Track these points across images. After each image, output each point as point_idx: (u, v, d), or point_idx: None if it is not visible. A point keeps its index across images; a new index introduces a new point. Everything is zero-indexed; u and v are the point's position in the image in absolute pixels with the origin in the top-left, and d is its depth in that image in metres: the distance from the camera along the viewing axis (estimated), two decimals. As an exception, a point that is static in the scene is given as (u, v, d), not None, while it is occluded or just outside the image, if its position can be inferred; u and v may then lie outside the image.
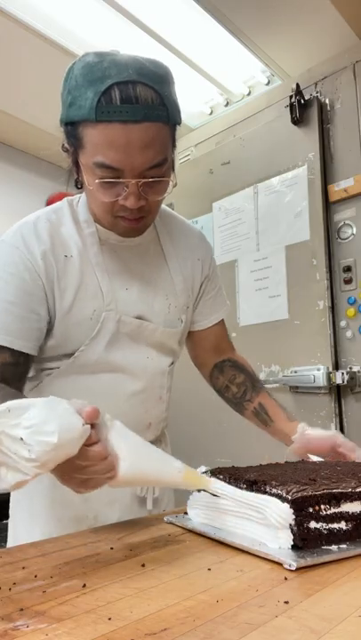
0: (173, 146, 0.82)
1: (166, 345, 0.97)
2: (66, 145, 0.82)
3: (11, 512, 0.97)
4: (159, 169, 0.78)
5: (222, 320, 1.12)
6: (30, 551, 0.63)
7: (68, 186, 0.88)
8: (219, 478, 0.70)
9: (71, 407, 0.57)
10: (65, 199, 0.94)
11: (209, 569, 0.55)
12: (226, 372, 1.10)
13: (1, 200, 2.95)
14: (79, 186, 0.86)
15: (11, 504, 0.98)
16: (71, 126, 0.77)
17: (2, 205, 2.96)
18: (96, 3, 1.91)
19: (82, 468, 0.58)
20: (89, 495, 0.68)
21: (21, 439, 0.53)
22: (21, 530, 0.94)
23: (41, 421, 0.54)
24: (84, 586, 0.50)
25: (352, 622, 0.42)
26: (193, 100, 2.52)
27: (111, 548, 0.64)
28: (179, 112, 0.80)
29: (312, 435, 0.93)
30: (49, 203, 3.14)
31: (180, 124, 0.81)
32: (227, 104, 2.50)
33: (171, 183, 0.82)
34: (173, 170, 0.83)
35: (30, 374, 0.90)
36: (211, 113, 2.57)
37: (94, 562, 0.58)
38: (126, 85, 0.72)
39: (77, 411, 0.57)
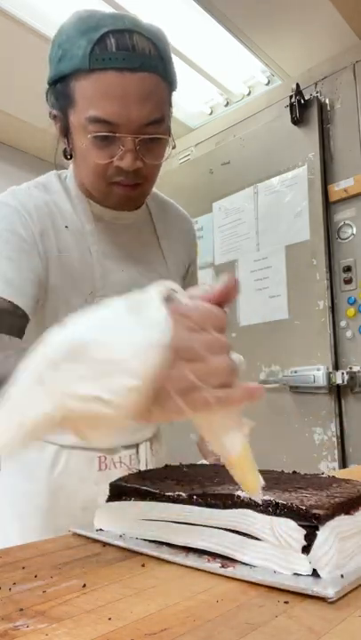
0: (170, 110, 0.77)
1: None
2: (53, 111, 0.76)
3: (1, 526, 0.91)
4: (157, 126, 0.71)
5: None
6: (30, 551, 0.63)
7: (55, 159, 0.81)
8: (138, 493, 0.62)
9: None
10: (50, 173, 0.86)
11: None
12: None
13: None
14: (69, 156, 0.79)
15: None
16: (61, 83, 0.71)
17: (2, 205, 2.96)
18: (96, 3, 1.91)
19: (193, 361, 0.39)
20: (88, 505, 0.66)
21: (95, 397, 0.37)
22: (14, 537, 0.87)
23: (109, 360, 0.37)
24: (84, 586, 0.50)
25: (352, 622, 0.42)
26: (193, 99, 2.52)
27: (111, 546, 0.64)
28: (175, 74, 0.75)
29: (205, 446, 0.98)
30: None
31: (175, 88, 0.76)
32: (227, 104, 2.50)
33: (168, 147, 0.76)
34: (170, 135, 0.77)
35: None
36: (211, 113, 2.58)
37: (94, 562, 0.58)
38: (122, 34, 0.67)
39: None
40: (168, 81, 0.73)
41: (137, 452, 0.93)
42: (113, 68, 0.66)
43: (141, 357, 0.37)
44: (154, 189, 0.91)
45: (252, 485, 0.48)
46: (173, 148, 0.78)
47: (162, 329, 0.37)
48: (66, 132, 0.76)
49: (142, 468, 0.94)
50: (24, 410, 0.37)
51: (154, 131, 0.71)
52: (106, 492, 0.71)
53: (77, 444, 0.85)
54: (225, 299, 0.42)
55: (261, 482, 0.49)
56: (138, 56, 0.67)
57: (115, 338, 0.37)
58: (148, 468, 0.95)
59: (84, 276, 0.80)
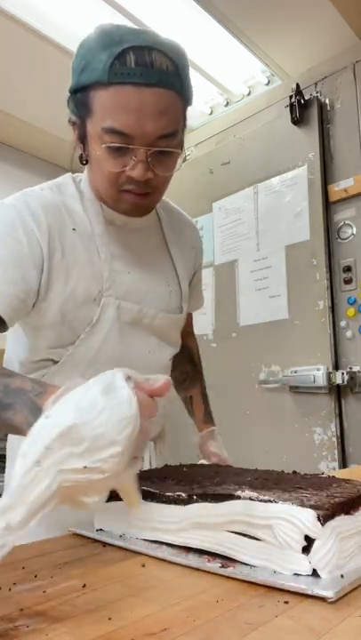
0: (184, 124, 0.80)
1: (166, 334, 0.93)
2: (73, 117, 0.79)
3: None
4: (170, 140, 0.75)
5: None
6: (30, 551, 0.63)
7: (72, 163, 0.85)
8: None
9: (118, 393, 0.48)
10: (67, 175, 0.90)
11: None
12: (178, 356, 1.02)
13: (1, 200, 2.95)
14: (84, 161, 0.82)
15: None
16: (81, 93, 0.74)
17: (2, 205, 2.96)
18: (96, 3, 1.91)
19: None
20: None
21: (85, 468, 0.45)
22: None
23: (93, 437, 0.45)
24: (84, 586, 0.50)
25: (352, 622, 0.42)
26: (193, 100, 2.52)
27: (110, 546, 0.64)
28: (192, 91, 0.78)
29: (205, 446, 1.04)
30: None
31: (191, 104, 0.79)
32: (227, 104, 2.50)
33: (180, 160, 0.79)
34: (182, 149, 0.80)
35: (26, 374, 0.85)
36: (211, 113, 2.58)
37: (94, 562, 0.58)
38: (142, 50, 0.70)
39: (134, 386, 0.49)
40: (184, 97, 0.76)
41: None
42: (131, 83, 0.69)
43: (118, 429, 0.46)
44: (163, 200, 0.94)
45: (135, 502, 0.56)
46: (184, 160, 0.82)
47: (129, 405, 0.47)
48: (83, 138, 0.79)
49: (146, 466, 0.94)
50: (27, 489, 0.44)
51: (166, 144, 0.75)
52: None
53: None
54: (156, 394, 0.52)
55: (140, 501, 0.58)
56: (155, 72, 0.70)
57: (94, 418, 0.46)
58: (153, 467, 0.96)
59: (92, 277, 0.82)
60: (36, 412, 0.54)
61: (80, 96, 0.75)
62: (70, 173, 0.90)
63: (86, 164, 0.83)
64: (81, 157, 0.83)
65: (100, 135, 0.73)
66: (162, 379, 0.52)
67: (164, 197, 0.94)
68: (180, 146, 0.79)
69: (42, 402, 0.55)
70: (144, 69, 0.69)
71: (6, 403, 0.58)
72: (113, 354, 0.85)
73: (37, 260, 0.77)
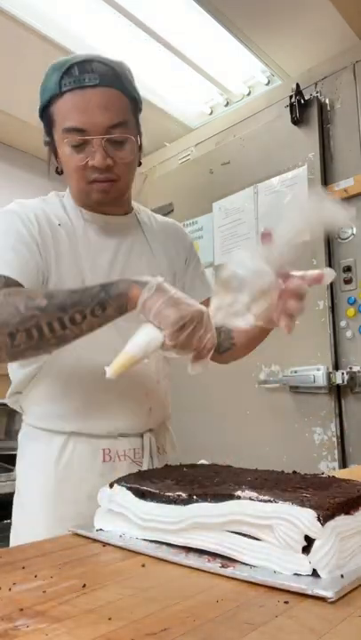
0: (137, 119, 0.93)
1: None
2: (45, 138, 0.93)
3: (13, 512, 0.98)
4: (120, 130, 0.87)
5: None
6: (30, 551, 0.63)
7: (48, 176, 0.97)
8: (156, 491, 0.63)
9: None
10: (52, 192, 1.02)
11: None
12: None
13: (1, 200, 2.95)
14: (60, 172, 0.95)
15: (14, 505, 0.99)
16: (44, 111, 0.89)
17: (2, 205, 2.96)
18: (96, 3, 1.91)
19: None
20: (93, 494, 0.71)
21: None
22: (23, 530, 0.94)
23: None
24: (84, 586, 0.50)
25: (352, 622, 0.42)
26: (193, 99, 2.52)
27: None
28: (136, 91, 0.92)
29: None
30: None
31: (140, 108, 0.93)
32: (227, 104, 2.50)
33: (135, 146, 0.91)
34: (141, 148, 0.95)
35: (30, 360, 0.92)
36: (211, 113, 2.58)
37: (94, 562, 0.58)
38: (83, 63, 0.85)
39: None
40: (128, 96, 0.89)
41: (142, 446, 0.96)
42: (77, 87, 0.84)
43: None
44: (142, 207, 1.07)
45: (114, 372, 0.70)
46: (139, 165, 0.95)
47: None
48: (55, 151, 0.92)
49: (146, 461, 0.96)
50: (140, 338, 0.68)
51: (118, 133, 0.86)
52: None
53: (82, 430, 0.92)
54: None
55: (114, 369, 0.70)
56: (96, 75, 0.85)
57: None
58: (153, 463, 0.97)
59: (77, 269, 0.92)
60: (142, 282, 0.71)
61: (44, 115, 0.89)
62: (54, 191, 1.02)
63: (62, 172, 0.95)
64: (57, 170, 0.95)
65: (63, 137, 0.86)
66: None
67: (143, 207, 1.08)
68: (135, 135, 0.91)
69: (146, 280, 0.71)
70: (87, 75, 0.84)
71: (107, 284, 0.73)
72: (108, 340, 0.84)
73: (36, 248, 0.88)
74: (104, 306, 0.72)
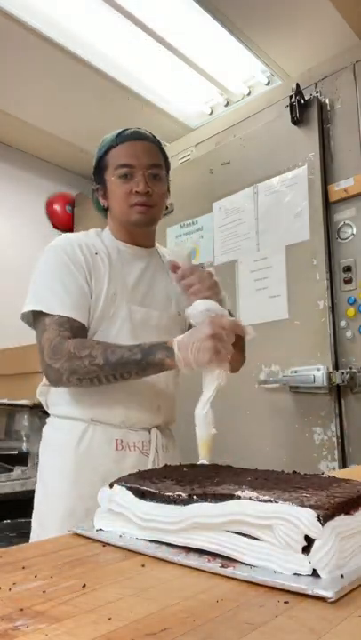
0: (167, 171, 1.21)
1: (172, 333, 1.13)
2: (95, 185, 1.21)
3: (35, 499, 1.14)
4: (158, 169, 1.16)
5: None
6: (30, 551, 0.63)
7: (104, 210, 1.24)
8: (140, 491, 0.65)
9: None
10: (92, 229, 1.25)
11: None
12: None
13: (1, 200, 2.95)
14: (107, 209, 1.21)
15: (36, 493, 1.15)
16: (99, 162, 1.18)
17: (2, 205, 2.96)
18: (96, 3, 1.91)
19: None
20: (107, 477, 0.78)
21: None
22: (45, 511, 1.11)
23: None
24: (84, 586, 0.50)
25: (352, 622, 0.42)
26: (193, 99, 2.52)
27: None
28: (168, 160, 1.23)
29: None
30: (49, 203, 3.23)
31: (169, 170, 1.22)
32: (227, 104, 2.50)
33: (166, 183, 1.20)
34: (168, 191, 1.23)
35: None
36: (211, 113, 2.58)
37: (94, 562, 0.58)
38: (134, 129, 1.18)
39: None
40: (162, 153, 1.20)
41: (149, 439, 1.13)
42: (129, 140, 1.16)
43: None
44: (158, 244, 1.31)
45: (206, 456, 0.92)
46: (167, 209, 1.23)
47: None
48: (104, 194, 1.20)
49: (152, 454, 1.13)
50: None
51: (156, 171, 1.16)
52: (122, 469, 0.98)
53: (99, 419, 1.11)
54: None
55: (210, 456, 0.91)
56: (143, 135, 1.17)
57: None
58: (159, 456, 1.13)
59: (110, 283, 1.14)
60: (169, 349, 0.97)
61: (100, 165, 1.18)
62: (94, 229, 1.25)
63: (106, 210, 1.22)
64: (104, 210, 1.22)
65: (114, 172, 1.14)
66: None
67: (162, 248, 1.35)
68: (166, 180, 1.21)
69: (169, 344, 0.98)
70: (136, 134, 1.17)
71: (146, 353, 0.99)
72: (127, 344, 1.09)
73: (83, 278, 1.11)
74: (145, 371, 1.00)
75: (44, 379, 1.14)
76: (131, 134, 1.16)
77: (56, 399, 1.15)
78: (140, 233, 1.21)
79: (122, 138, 1.15)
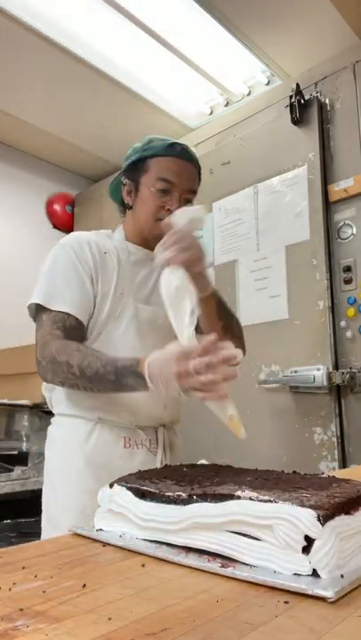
0: (195, 194, 1.21)
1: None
2: (125, 180, 1.19)
3: (44, 496, 1.14)
4: (193, 195, 1.18)
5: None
6: (30, 551, 0.63)
7: (126, 207, 1.22)
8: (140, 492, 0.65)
9: None
10: (102, 230, 1.26)
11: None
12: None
13: (1, 200, 2.95)
14: (130, 207, 1.20)
15: (44, 490, 1.15)
16: (141, 161, 1.16)
17: (2, 205, 2.96)
18: (96, 3, 1.91)
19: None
20: (114, 474, 0.78)
21: None
22: (55, 508, 1.11)
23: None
24: (84, 586, 0.50)
25: (352, 622, 0.42)
26: (193, 99, 2.52)
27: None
28: (200, 183, 1.22)
29: None
30: (49, 203, 3.23)
31: (196, 192, 1.21)
32: (227, 104, 2.50)
33: None
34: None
35: None
36: (211, 113, 2.58)
37: (94, 562, 0.58)
38: (183, 145, 1.18)
39: None
40: (200, 180, 1.21)
41: (156, 437, 1.15)
42: (179, 157, 1.15)
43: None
44: None
45: (241, 433, 0.86)
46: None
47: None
48: (132, 192, 1.18)
49: (160, 452, 1.14)
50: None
51: (191, 197, 1.18)
52: (131, 466, 1.00)
53: (106, 419, 1.11)
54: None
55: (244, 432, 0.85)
56: (191, 156, 1.18)
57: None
58: (166, 455, 1.14)
59: (118, 283, 1.14)
60: (140, 375, 0.91)
61: (140, 164, 1.16)
62: (104, 230, 1.26)
63: (129, 209, 1.21)
64: (127, 205, 1.21)
65: (153, 182, 1.14)
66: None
67: None
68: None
69: (140, 371, 0.92)
70: (187, 154, 1.17)
71: (119, 375, 0.95)
72: (132, 346, 1.11)
73: (89, 275, 1.11)
74: (121, 390, 0.98)
75: None
76: (182, 152, 1.16)
77: (61, 398, 1.15)
78: (155, 242, 1.19)
79: (173, 152, 1.15)
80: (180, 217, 1.02)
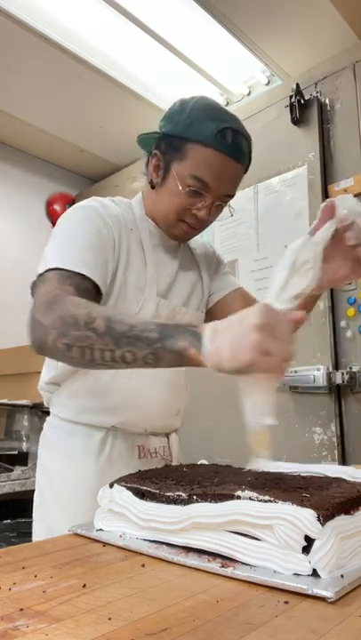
0: None
1: None
2: (158, 151, 0.98)
3: (38, 507, 1.03)
4: (228, 199, 1.00)
5: (242, 290, 1.23)
6: (30, 551, 0.63)
7: (149, 181, 1.02)
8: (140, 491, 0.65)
9: None
10: (118, 196, 1.08)
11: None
12: None
13: (1, 200, 2.95)
14: (153, 186, 1.02)
15: (37, 499, 1.04)
16: (179, 140, 0.95)
17: (2, 205, 2.96)
18: (96, 3, 1.91)
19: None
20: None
21: None
22: (56, 522, 0.97)
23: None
24: (84, 586, 0.50)
25: (352, 622, 0.42)
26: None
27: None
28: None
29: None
30: (49, 203, 3.22)
31: (233, 196, 1.03)
32: (227, 104, 2.50)
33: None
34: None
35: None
36: (211, 113, 2.57)
37: (94, 562, 0.58)
38: (237, 133, 0.95)
39: None
40: (245, 172, 1.03)
41: (168, 444, 1.07)
42: (225, 153, 0.93)
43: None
44: None
45: (265, 451, 0.69)
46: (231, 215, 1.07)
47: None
48: (161, 170, 0.99)
49: (174, 459, 1.07)
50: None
51: (226, 200, 1.00)
52: None
53: (120, 426, 0.99)
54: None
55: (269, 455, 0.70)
56: (241, 153, 0.96)
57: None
58: (179, 460, 1.08)
59: (141, 272, 0.99)
60: (198, 336, 0.67)
61: (176, 142, 0.95)
62: (120, 197, 1.08)
63: (153, 187, 1.01)
64: (151, 182, 1.02)
65: (186, 177, 0.94)
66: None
67: None
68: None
69: (198, 330, 0.67)
70: (236, 148, 0.94)
71: (166, 334, 0.69)
72: None
73: (112, 245, 0.94)
74: (158, 358, 0.69)
75: (44, 372, 1.04)
76: (232, 148, 0.94)
77: (68, 402, 1.02)
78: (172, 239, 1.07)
79: (223, 146, 0.92)
80: (345, 203, 0.79)
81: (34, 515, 1.04)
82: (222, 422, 2.04)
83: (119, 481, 0.69)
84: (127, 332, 0.71)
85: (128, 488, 0.67)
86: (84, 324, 0.73)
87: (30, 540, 0.96)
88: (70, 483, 0.99)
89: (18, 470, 2.02)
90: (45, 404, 1.10)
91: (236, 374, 0.66)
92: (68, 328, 0.74)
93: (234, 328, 0.64)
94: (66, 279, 0.84)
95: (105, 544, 0.64)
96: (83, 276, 0.86)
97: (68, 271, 0.85)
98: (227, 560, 0.54)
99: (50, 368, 1.04)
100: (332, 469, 0.72)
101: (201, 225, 1.01)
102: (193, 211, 0.97)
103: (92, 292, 0.87)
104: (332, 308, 1.87)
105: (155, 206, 1.03)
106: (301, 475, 0.70)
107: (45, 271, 0.86)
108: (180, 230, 1.01)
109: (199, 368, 0.69)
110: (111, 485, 0.69)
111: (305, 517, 0.50)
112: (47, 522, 1.00)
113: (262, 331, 0.62)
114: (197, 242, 1.20)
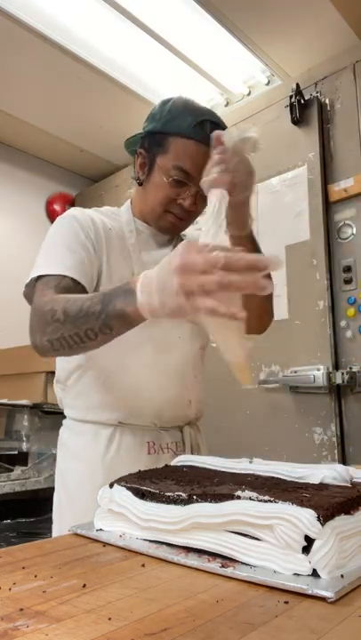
0: None
1: (196, 325, 1.06)
2: (141, 151, 1.03)
3: (56, 505, 1.04)
4: None
5: None
6: (30, 551, 0.63)
7: (134, 182, 1.07)
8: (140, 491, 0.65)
9: None
10: (105, 206, 1.12)
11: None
12: None
13: (1, 200, 2.95)
14: (140, 183, 1.05)
15: (55, 499, 1.05)
16: (160, 135, 0.99)
17: (2, 205, 2.96)
18: (96, 3, 1.91)
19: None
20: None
21: None
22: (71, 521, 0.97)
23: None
24: (84, 586, 0.50)
25: (352, 622, 0.42)
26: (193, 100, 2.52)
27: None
28: None
29: None
30: (49, 203, 3.22)
31: None
32: (227, 104, 2.50)
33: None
34: None
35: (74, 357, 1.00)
36: (211, 113, 2.57)
37: (94, 562, 0.58)
38: (215, 124, 0.98)
39: None
40: None
41: (182, 438, 1.05)
42: (204, 143, 0.92)
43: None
44: None
45: (248, 380, 0.67)
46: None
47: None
48: (146, 167, 1.03)
49: (188, 453, 1.03)
50: None
51: None
52: None
53: (127, 421, 1.00)
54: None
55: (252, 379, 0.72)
56: None
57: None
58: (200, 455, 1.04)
59: (125, 271, 1.01)
60: (131, 292, 0.69)
61: (158, 137, 0.99)
62: (107, 206, 1.13)
63: (141, 184, 1.05)
64: (138, 180, 1.05)
65: (169, 169, 0.98)
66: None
67: None
68: None
69: (132, 286, 0.70)
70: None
71: (106, 302, 0.73)
72: (149, 336, 0.98)
73: (91, 245, 0.98)
74: (109, 326, 0.75)
75: (56, 373, 1.06)
76: (208, 137, 0.92)
77: (75, 399, 1.04)
78: (161, 233, 1.09)
79: (201, 136, 0.95)
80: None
81: (53, 516, 1.05)
82: (222, 423, 2.05)
83: (119, 481, 0.69)
84: (78, 312, 0.77)
85: (128, 488, 0.67)
86: (50, 318, 0.81)
87: (30, 540, 0.96)
88: (80, 482, 1.00)
89: (18, 470, 2.02)
90: (60, 406, 1.11)
91: (174, 318, 0.66)
92: (43, 326, 0.83)
93: (161, 273, 0.65)
94: (48, 283, 0.90)
95: (105, 544, 0.64)
96: (63, 276, 0.91)
97: (50, 275, 0.91)
98: (227, 560, 0.54)
99: (56, 368, 1.07)
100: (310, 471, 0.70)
101: (188, 216, 1.03)
102: (178, 201, 1.00)
103: (75, 289, 0.92)
104: (332, 308, 1.87)
105: (144, 202, 1.06)
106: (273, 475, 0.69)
107: (35, 280, 0.93)
108: (167, 222, 1.04)
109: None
110: (111, 485, 0.69)
111: (305, 517, 0.50)
112: (62, 524, 1.01)
113: (183, 272, 0.61)
114: (192, 235, 1.20)
